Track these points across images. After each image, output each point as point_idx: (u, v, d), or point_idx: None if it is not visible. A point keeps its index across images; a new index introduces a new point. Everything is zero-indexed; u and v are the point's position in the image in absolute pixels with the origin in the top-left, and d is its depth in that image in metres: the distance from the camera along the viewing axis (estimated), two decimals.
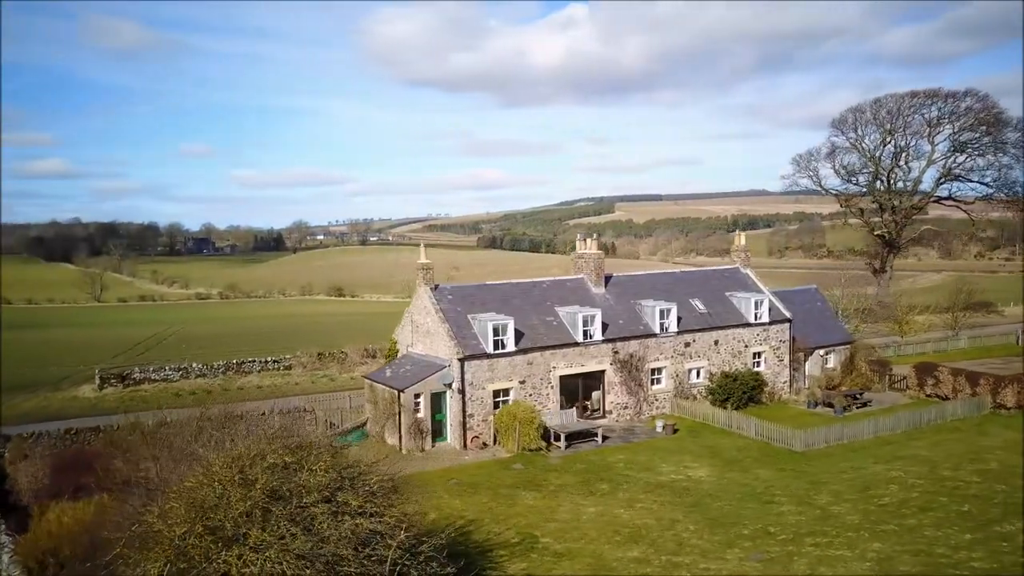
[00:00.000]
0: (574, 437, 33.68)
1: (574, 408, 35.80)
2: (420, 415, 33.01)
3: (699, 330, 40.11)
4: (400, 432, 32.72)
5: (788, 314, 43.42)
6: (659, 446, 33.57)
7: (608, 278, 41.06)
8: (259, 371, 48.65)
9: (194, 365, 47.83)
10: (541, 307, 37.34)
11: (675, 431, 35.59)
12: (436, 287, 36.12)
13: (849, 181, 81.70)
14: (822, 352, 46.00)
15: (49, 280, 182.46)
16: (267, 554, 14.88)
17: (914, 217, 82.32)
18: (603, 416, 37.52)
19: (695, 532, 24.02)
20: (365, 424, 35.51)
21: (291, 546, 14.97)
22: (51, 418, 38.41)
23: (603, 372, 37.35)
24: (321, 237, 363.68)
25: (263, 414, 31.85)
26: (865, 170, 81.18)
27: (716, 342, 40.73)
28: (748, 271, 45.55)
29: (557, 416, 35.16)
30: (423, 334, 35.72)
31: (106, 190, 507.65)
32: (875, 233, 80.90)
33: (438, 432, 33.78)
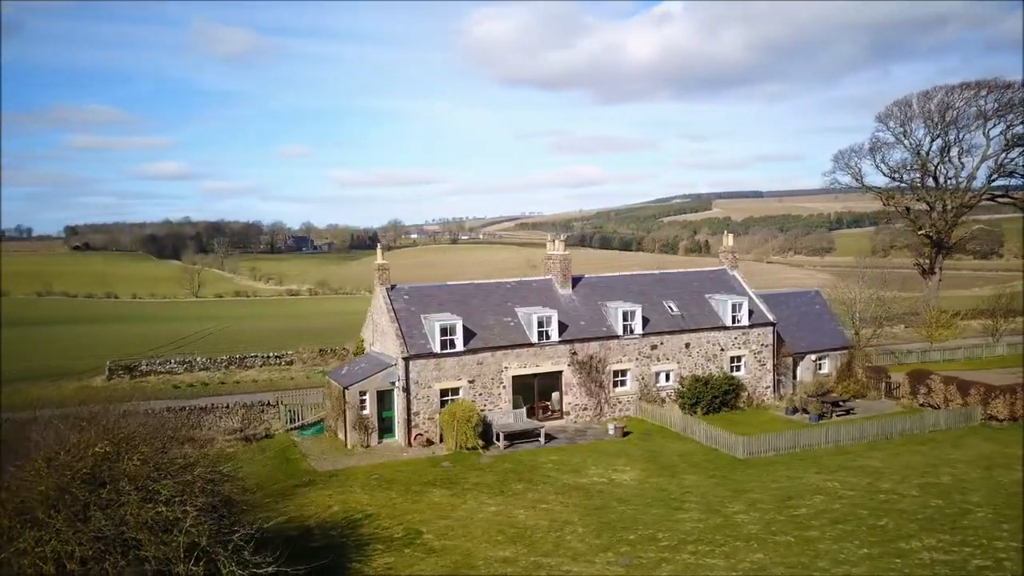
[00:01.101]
0: (516, 437, 33.88)
1: (524, 408, 35.97)
2: (366, 412, 33.94)
3: (668, 332, 39.51)
4: (345, 428, 33.74)
5: (771, 317, 42.19)
6: (601, 448, 33.39)
7: (578, 279, 40.96)
8: (260, 366, 50.82)
9: (198, 359, 50.41)
10: (501, 307, 37.66)
11: (625, 434, 35.27)
12: (393, 287, 36.98)
13: (892, 178, 77.94)
14: (814, 357, 44.47)
15: (156, 276, 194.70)
16: (64, 535, 16.04)
17: (965, 216, 77.75)
18: (561, 417, 37.54)
19: (580, 535, 23.99)
20: (324, 419, 36.72)
21: (86, 528, 16.09)
22: (51, 405, 41.26)
23: (560, 373, 37.35)
24: (415, 236, 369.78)
25: (167, 410, 33.58)
26: (912, 166, 77.24)
27: (687, 345, 40.01)
28: (735, 273, 44.48)
29: (509, 416, 35.44)
30: (380, 333, 36.67)
31: (217, 190, 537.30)
32: (919, 233, 76.88)
33: (387, 429, 34.63)
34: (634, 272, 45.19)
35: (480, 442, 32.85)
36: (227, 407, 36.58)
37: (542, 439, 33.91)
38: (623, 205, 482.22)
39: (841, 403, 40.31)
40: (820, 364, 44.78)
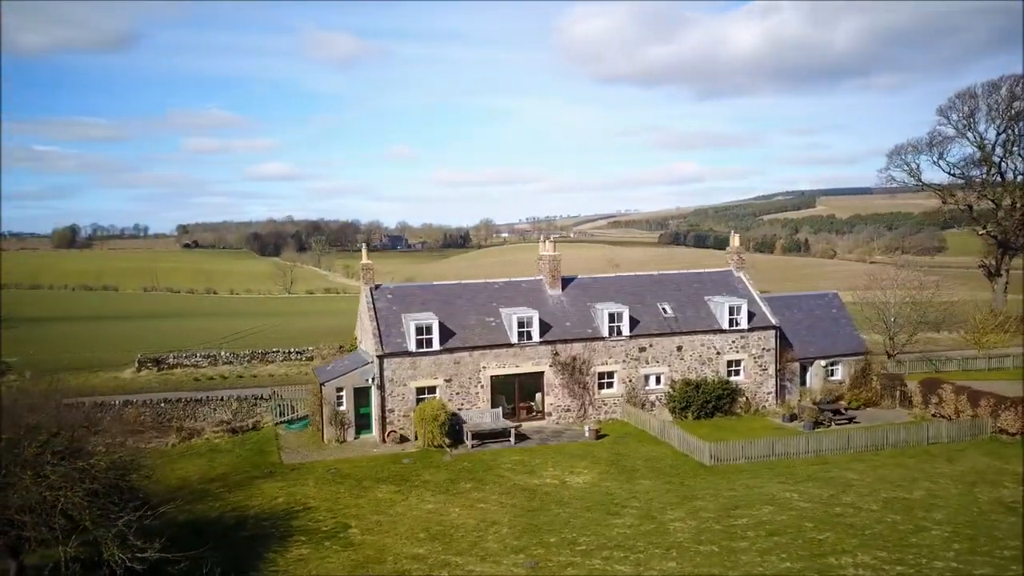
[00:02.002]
0: (486, 436, 34.06)
1: (501, 409, 36.08)
2: (342, 408, 34.84)
3: (658, 334, 38.78)
4: (322, 422, 34.74)
5: (774, 320, 40.77)
6: (568, 450, 33.17)
7: (571, 280, 40.73)
8: (281, 361, 52.68)
9: (222, 353, 52.75)
10: (485, 308, 37.88)
11: (600, 436, 34.91)
12: (377, 287, 37.79)
13: (952, 174, 73.56)
14: (823, 363, 42.67)
15: (254, 273, 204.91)
16: None
17: None
18: (543, 418, 37.47)
19: (502, 536, 24.02)
20: (310, 414, 37.85)
21: None
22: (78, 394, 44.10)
23: (542, 374, 37.26)
24: (505, 235, 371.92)
25: (163, 401, 35.29)
26: (975, 162, 72.69)
27: (679, 348, 39.15)
28: (741, 274, 43.18)
29: (487, 415, 35.66)
30: (364, 332, 37.53)
31: (320, 190, 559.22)
32: (981, 232, 72.29)
33: (365, 425, 35.43)
34: (635, 273, 44.47)
35: (447, 440, 33.21)
36: (221, 399, 38.24)
37: (512, 439, 33.96)
38: (721, 203, 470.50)
39: (843, 411, 38.61)
40: (832, 370, 42.91)
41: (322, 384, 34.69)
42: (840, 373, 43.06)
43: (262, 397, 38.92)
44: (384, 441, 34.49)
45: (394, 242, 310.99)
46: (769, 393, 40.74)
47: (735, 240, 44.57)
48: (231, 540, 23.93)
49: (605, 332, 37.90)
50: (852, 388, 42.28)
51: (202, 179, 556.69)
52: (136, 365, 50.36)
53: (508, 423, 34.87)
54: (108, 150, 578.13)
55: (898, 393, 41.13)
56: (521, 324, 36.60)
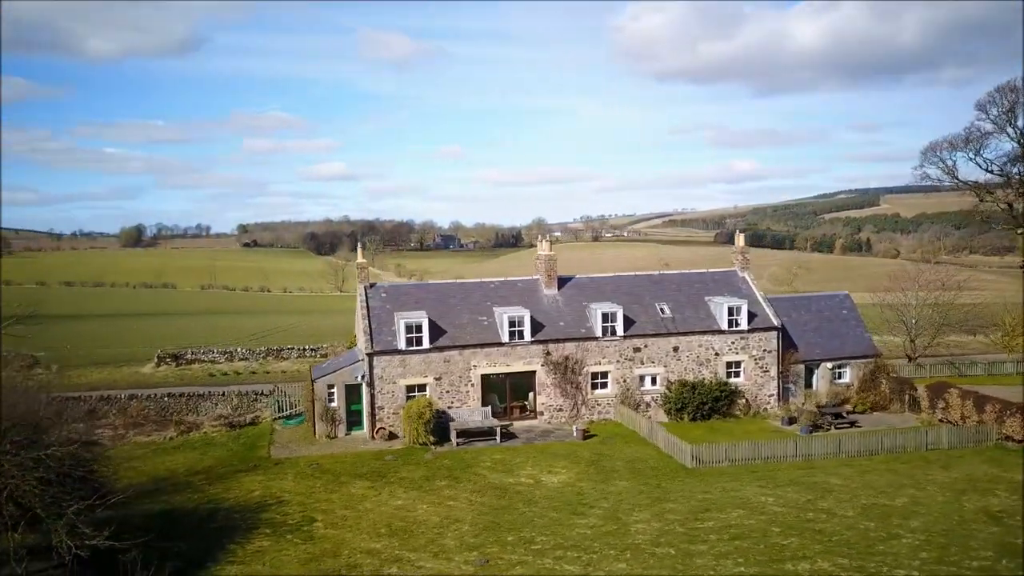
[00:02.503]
0: (472, 434, 34.26)
1: (491, 407, 36.22)
2: (333, 404, 35.44)
3: (653, 335, 38.42)
4: (314, 419, 35.41)
5: (776, 321, 40.01)
6: (552, 450, 33.15)
7: (568, 279, 40.65)
8: (296, 357, 53.77)
9: (239, 350, 54.08)
10: (479, 307, 38.07)
11: (588, 436, 34.80)
12: (372, 285, 38.31)
13: (990, 172, 70.77)
14: (830, 365, 41.67)
15: (308, 271, 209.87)
16: None
17: None
18: (535, 417, 37.49)
19: (461, 533, 24.18)
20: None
21: None
22: (96, 388, 45.78)
23: (534, 373, 37.29)
24: (558, 234, 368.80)
25: (167, 396, 36.36)
26: (1014, 159, 69.82)
27: (675, 348, 38.72)
28: (746, 274, 42.47)
29: (477, 414, 35.87)
30: (359, 330, 38.09)
31: (376, 190, 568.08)
32: (1020, 232, 69.45)
33: (357, 422, 35.97)
34: (634, 273, 44.11)
35: (432, 438, 33.50)
36: (223, 395, 39.29)
37: (497, 438, 34.09)
38: (780, 201, 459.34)
39: (845, 415, 37.68)
40: (839, 373, 41.87)
41: (313, 381, 35.35)
42: (848, 376, 42.00)
43: (262, 393, 39.84)
44: (374, 438, 34.97)
45: (446, 241, 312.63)
46: (771, 395, 39.99)
47: (739, 239, 43.83)
48: (200, 531, 24.63)
49: (598, 332, 37.72)
50: (860, 391, 41.24)
51: (262, 179, 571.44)
52: (156, 360, 51.98)
53: (495, 422, 35.00)
54: (172, 152, 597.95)
55: (907, 397, 39.94)
56: (512, 323, 36.69)
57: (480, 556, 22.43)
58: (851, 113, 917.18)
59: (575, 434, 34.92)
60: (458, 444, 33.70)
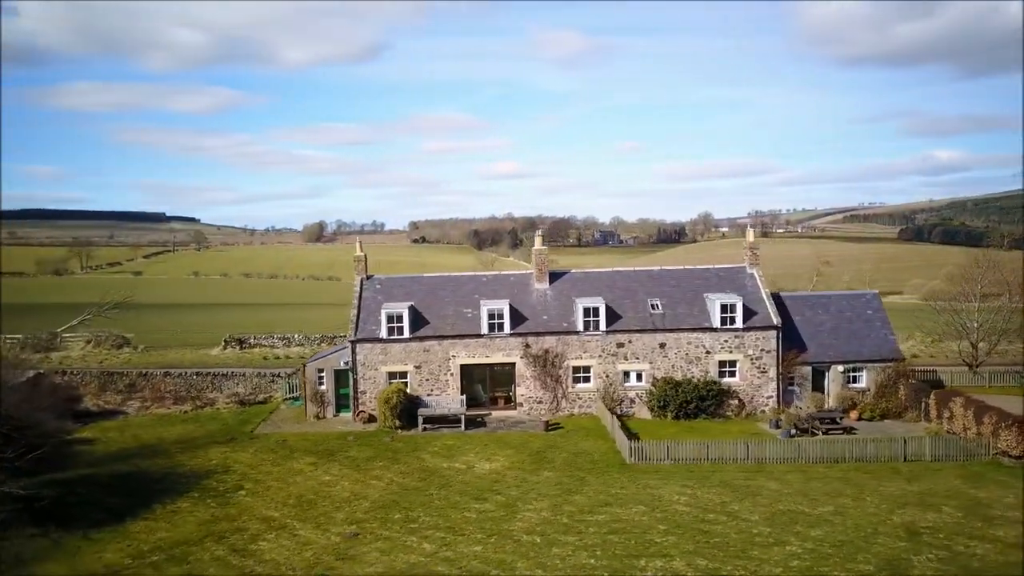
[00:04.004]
0: (437, 421, 35.71)
1: (464, 396, 37.45)
2: (323, 387, 38.11)
3: (637, 331, 38.07)
4: (305, 400, 38.26)
5: (776, 320, 38.38)
6: (507, 439, 33.94)
7: (562, 274, 41.10)
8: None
9: (296, 336, 58.41)
10: (467, 300, 39.39)
11: (552, 428, 35.32)
12: (369, 277, 40.62)
13: None
14: (842, 368, 39.30)
15: (460, 266, 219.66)
16: None
17: None
18: (514, 408, 38.32)
19: (356, 509, 25.83)
20: None
21: None
22: (166, 366, 51.37)
23: (514, 365, 38.11)
24: (724, 230, 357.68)
25: (196, 375, 40.33)
26: None
27: (662, 345, 38.15)
28: (755, 271, 40.93)
29: (455, 402, 37.26)
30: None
31: (545, 187, 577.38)
32: None
33: (345, 405, 38.46)
34: (633, 268, 43.60)
35: (398, 423, 35.30)
36: (243, 375, 43.12)
37: (462, 425, 35.33)
38: (984, 194, 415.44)
39: (838, 420, 35.62)
40: (854, 376, 39.39)
41: (304, 365, 38.17)
42: (865, 380, 39.42)
43: (279, 375, 43.30)
44: (355, 420, 37.28)
45: (605, 237, 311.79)
46: (769, 397, 38.43)
47: (750, 235, 42.25)
48: (142, 490, 27.87)
49: (580, 326, 37.93)
50: (877, 397, 38.70)
51: (437, 178, 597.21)
52: (223, 344, 57.31)
53: (462, 410, 36.21)
54: (356, 153, 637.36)
55: (923, 405, 37.04)
56: (492, 316, 37.72)
57: (354, 530, 23.97)
58: None
59: (540, 426, 35.48)
60: (424, 429, 35.29)
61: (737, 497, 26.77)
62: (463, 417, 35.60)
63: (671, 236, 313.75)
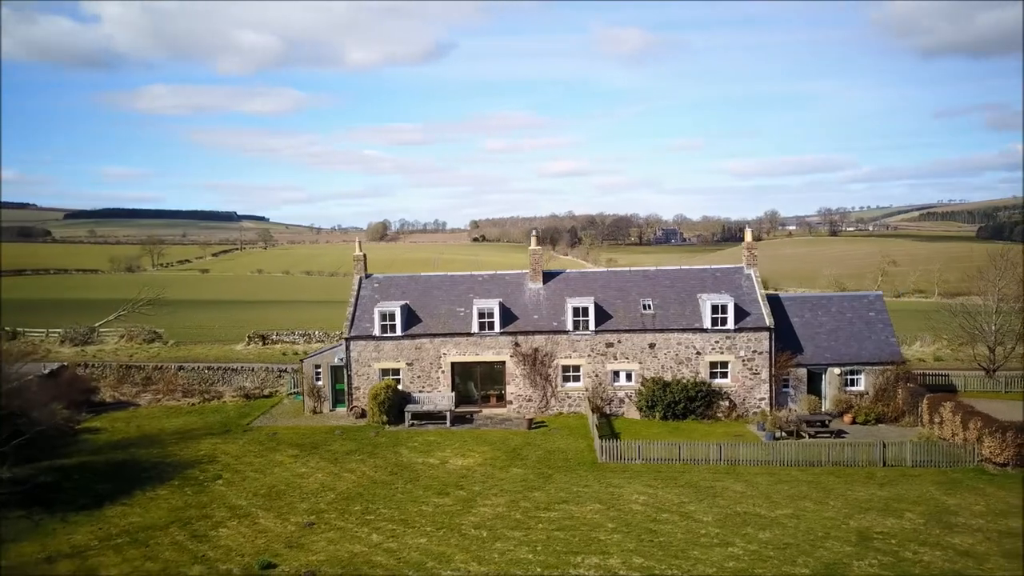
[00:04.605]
0: (423, 417, 36.52)
1: (455, 393, 38.16)
2: (320, 383, 39.35)
3: (627, 331, 38.18)
4: (304, 395, 39.57)
5: (769, 321, 38.00)
6: (488, 436, 34.51)
7: (557, 274, 41.46)
8: None
9: (317, 332, 60.09)
10: (461, 299, 40.11)
11: (534, 426, 35.77)
12: (368, 276, 41.71)
13: None
14: (838, 371, 38.65)
15: (514, 263, 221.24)
16: None
17: None
18: (504, 406, 38.88)
19: (320, 501, 26.80)
20: None
21: None
22: (193, 360, 53.59)
23: (504, 363, 38.66)
24: (791, 228, 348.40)
25: (207, 368, 42.04)
26: None
27: (652, 345, 38.17)
28: (752, 271, 40.56)
29: (446, 399, 38.04)
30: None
31: (607, 185, 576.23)
32: None
33: (341, 400, 39.63)
34: (629, 268, 43.60)
35: (386, 418, 36.25)
36: (252, 370, 44.75)
37: (448, 422, 36.08)
38: None
39: (827, 423, 35.14)
40: (851, 379, 38.67)
41: (302, 361, 39.48)
42: (863, 383, 38.68)
43: (286, 370, 44.79)
44: (349, 415, 38.41)
45: (667, 235, 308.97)
46: (761, 399, 38.07)
47: (748, 235, 41.79)
48: (131, 478, 29.44)
49: (569, 326, 38.25)
50: (876, 401, 37.99)
51: (499, 177, 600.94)
52: (246, 340, 59.38)
53: (450, 407, 36.94)
54: (419, 152, 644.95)
55: (918, 409, 36.21)
56: (482, 315, 38.36)
57: (311, 520, 24.96)
58: None
59: (525, 423, 35.97)
60: (410, 425, 36.16)
61: (697, 497, 26.84)
62: (449, 414, 36.33)
63: (735, 234, 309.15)
